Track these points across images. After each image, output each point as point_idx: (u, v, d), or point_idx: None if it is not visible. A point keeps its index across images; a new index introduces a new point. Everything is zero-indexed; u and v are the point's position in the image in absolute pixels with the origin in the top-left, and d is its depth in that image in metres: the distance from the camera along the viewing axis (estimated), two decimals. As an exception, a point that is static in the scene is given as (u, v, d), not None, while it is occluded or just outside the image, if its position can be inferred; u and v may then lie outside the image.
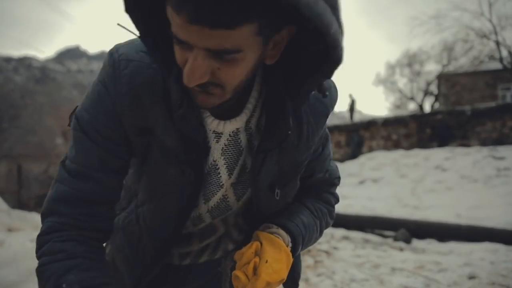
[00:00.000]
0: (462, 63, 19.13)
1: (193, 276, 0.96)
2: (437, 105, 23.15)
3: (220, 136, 0.73)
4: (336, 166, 0.96)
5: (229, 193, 0.79)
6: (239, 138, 0.74)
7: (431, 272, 3.19)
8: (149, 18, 0.58)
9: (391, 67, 27.10)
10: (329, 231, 5.62)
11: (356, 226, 5.73)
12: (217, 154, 0.74)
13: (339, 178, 0.96)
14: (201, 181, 0.74)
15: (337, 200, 0.96)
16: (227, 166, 0.76)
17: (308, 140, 0.78)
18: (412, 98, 25.80)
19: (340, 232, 5.55)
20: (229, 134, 0.73)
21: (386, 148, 13.41)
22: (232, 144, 0.74)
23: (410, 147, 12.69)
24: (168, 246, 0.83)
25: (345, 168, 11.85)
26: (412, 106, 26.27)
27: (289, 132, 0.69)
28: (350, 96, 20.49)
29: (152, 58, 0.64)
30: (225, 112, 0.70)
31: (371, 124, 14.38)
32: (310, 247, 4.42)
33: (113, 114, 0.69)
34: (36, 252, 0.69)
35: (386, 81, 27.36)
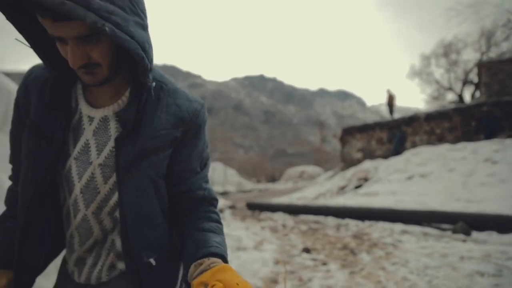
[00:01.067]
0: (504, 49, 18.55)
1: None
2: (477, 94, 22.49)
3: (92, 120, 0.90)
4: (212, 189, 1.06)
5: (97, 173, 0.90)
6: (108, 125, 0.90)
7: (499, 260, 3.49)
8: (36, 34, 0.82)
9: (426, 58, 26.59)
10: (388, 226, 5.95)
11: (413, 220, 6.00)
12: (89, 134, 0.90)
13: (216, 200, 1.05)
14: (57, 156, 0.90)
15: (219, 217, 1.02)
16: (96, 147, 0.90)
17: (155, 131, 0.90)
18: (450, 89, 25.20)
19: (398, 226, 5.85)
20: (100, 120, 0.90)
21: (430, 142, 13.38)
22: (102, 129, 0.90)
23: (455, 140, 12.61)
24: (30, 220, 0.93)
25: (390, 165, 11.98)
26: (450, 97, 25.66)
27: (129, 119, 0.87)
28: (388, 91, 20.11)
29: (43, 63, 0.86)
30: (99, 102, 0.91)
31: (413, 120, 14.36)
32: (376, 241, 4.78)
33: (16, 104, 0.96)
34: None
35: (421, 73, 26.88)
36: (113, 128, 0.90)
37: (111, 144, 0.90)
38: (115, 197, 0.92)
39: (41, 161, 0.89)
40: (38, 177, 0.90)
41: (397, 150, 14.14)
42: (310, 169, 30.34)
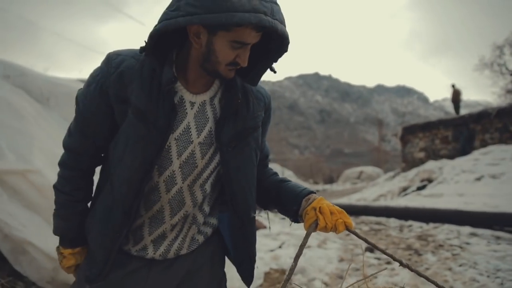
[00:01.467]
0: None
1: (173, 272, 1.12)
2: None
3: (194, 105, 1.04)
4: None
5: (196, 150, 1.05)
6: (206, 109, 1.05)
7: None
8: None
9: (498, 48, 24.59)
10: (454, 228, 5.80)
11: (483, 223, 5.76)
12: (190, 117, 1.03)
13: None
14: (164, 138, 1.00)
15: None
16: (196, 128, 1.03)
17: (253, 112, 1.10)
18: (529, 80, 23.10)
19: (466, 229, 5.66)
20: (199, 104, 1.04)
21: (503, 141, 12.47)
22: (201, 112, 1.04)
23: (532, 138, 11.66)
24: (137, 202, 1.03)
25: (456, 165, 11.40)
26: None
27: (239, 101, 1.04)
28: (453, 86, 18.86)
29: (148, 57, 0.97)
30: (196, 89, 1.04)
31: (482, 116, 13.45)
32: (442, 243, 4.74)
33: (100, 91, 1.01)
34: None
35: (493, 64, 24.89)
36: (209, 111, 1.05)
37: (209, 124, 1.05)
38: (208, 170, 1.08)
39: (151, 145, 0.99)
40: (148, 161, 1.00)
41: (464, 149, 13.37)
42: (369, 169, 29.56)
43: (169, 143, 1.01)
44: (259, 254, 4.03)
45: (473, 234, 5.33)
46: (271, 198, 1.19)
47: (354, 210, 8.19)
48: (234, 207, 1.11)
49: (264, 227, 6.21)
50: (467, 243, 4.67)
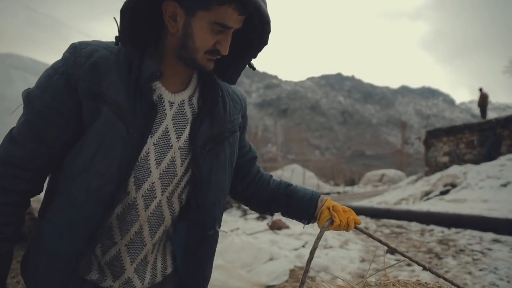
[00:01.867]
0: None
1: None
2: None
3: (173, 105, 0.92)
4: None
5: (177, 156, 0.92)
6: (184, 110, 0.93)
7: None
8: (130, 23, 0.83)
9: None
10: (477, 234, 5.85)
11: (507, 230, 5.76)
12: (169, 119, 0.91)
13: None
14: (143, 141, 0.86)
15: None
16: (175, 131, 0.91)
17: (230, 115, 1.01)
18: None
19: (489, 235, 5.70)
20: (178, 104, 0.92)
21: (531, 146, 12.21)
22: (180, 113, 0.93)
23: (562, 144, 11.35)
24: (106, 221, 0.86)
25: (481, 170, 11.26)
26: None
27: (219, 98, 0.96)
28: (480, 90, 18.61)
29: (125, 47, 0.85)
30: (173, 87, 0.93)
31: (510, 121, 13.18)
32: (463, 248, 4.82)
33: (65, 85, 0.84)
34: None
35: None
36: (188, 112, 0.94)
37: (189, 127, 0.93)
38: (185, 178, 0.95)
39: (129, 150, 0.85)
40: (123, 169, 0.85)
41: (490, 154, 13.14)
42: (391, 172, 29.24)
43: (148, 149, 0.88)
44: (283, 252, 4.28)
45: (496, 241, 5.37)
46: (281, 203, 1.16)
47: (376, 213, 8.28)
48: (198, 217, 0.97)
49: (287, 227, 6.42)
50: (489, 249, 4.74)
